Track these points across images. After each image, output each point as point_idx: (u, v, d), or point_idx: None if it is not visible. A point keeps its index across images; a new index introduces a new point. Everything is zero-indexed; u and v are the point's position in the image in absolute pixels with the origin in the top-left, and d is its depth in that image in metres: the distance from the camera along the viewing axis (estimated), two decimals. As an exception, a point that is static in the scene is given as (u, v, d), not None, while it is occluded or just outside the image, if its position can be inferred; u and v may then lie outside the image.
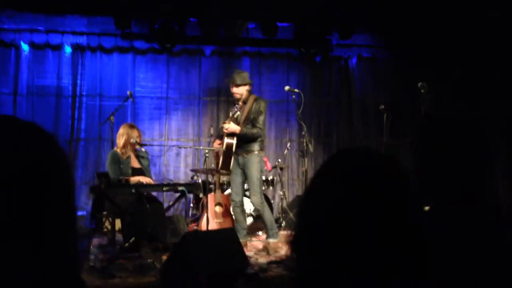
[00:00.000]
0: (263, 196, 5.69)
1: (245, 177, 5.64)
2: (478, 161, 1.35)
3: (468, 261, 1.22)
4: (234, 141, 5.44)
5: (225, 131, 5.42)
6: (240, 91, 5.54)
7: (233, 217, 5.86)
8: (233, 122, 5.48)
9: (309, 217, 0.89)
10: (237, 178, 5.64)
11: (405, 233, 0.83)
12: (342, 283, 0.82)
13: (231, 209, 5.95)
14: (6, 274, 0.71)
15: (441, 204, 1.37)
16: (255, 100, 5.54)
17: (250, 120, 5.49)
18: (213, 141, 5.89)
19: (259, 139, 5.56)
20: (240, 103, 5.59)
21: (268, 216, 5.59)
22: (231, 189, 5.76)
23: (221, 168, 5.58)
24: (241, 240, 5.40)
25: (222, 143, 5.52)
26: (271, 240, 5.56)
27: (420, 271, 0.83)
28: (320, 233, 0.85)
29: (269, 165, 6.84)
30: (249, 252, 5.37)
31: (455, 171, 1.34)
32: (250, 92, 5.65)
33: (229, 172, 5.65)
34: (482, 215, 1.30)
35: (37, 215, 0.73)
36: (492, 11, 5.75)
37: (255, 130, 5.47)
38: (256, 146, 5.54)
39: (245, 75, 5.64)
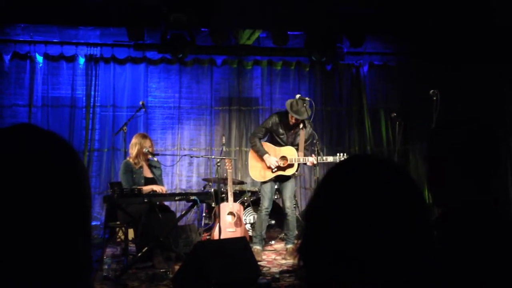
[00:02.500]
0: None
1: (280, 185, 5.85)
2: (489, 164, 1.33)
3: (479, 269, 1.21)
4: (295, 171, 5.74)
5: (309, 164, 5.70)
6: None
7: (259, 224, 5.73)
8: (291, 145, 5.70)
9: (316, 222, 0.88)
10: (272, 185, 5.77)
11: (413, 240, 0.83)
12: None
13: (253, 217, 6.03)
14: (18, 282, 0.72)
15: (451, 211, 1.36)
16: (309, 123, 5.73)
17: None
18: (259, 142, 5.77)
19: None
20: (299, 126, 5.68)
21: (294, 223, 5.76)
22: (265, 195, 5.72)
23: (262, 180, 5.69)
24: (257, 250, 5.44)
25: (280, 164, 5.64)
26: (290, 245, 5.69)
27: (426, 278, 0.83)
28: (328, 238, 0.84)
29: None
30: (261, 262, 5.36)
31: (464, 176, 1.33)
32: None
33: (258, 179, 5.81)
34: (493, 221, 1.29)
35: (52, 222, 0.74)
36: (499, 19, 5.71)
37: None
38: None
39: (307, 106, 5.55)
